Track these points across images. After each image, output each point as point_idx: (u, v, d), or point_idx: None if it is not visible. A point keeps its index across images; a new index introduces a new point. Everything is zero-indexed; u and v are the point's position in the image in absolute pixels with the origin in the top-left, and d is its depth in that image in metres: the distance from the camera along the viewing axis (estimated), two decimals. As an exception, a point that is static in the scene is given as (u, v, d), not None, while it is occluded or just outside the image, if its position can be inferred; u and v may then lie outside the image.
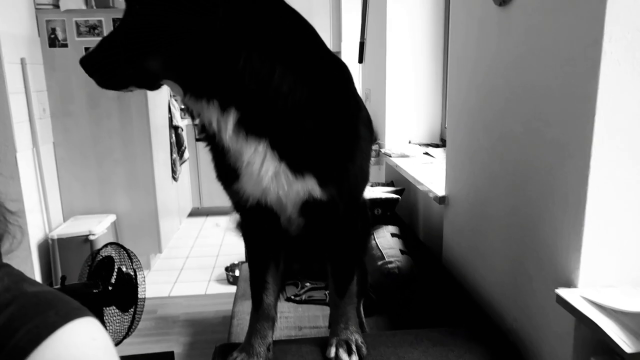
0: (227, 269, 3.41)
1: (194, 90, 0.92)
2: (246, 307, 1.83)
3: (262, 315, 1.20)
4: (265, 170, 0.98)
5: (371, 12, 3.08)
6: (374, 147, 2.76)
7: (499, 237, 1.40)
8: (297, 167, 0.99)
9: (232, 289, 2.86)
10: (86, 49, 3.14)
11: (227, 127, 0.94)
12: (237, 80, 0.90)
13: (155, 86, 0.98)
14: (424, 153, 2.48)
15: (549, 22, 1.10)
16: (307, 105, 0.96)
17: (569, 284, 1.04)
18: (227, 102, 0.92)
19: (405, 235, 2.08)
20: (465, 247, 1.66)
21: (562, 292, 1.01)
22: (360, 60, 3.37)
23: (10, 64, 2.75)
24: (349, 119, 1.05)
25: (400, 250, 1.89)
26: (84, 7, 3.13)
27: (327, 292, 1.95)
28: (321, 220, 1.10)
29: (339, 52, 4.47)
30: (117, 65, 0.92)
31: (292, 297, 2.03)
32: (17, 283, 0.49)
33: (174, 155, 3.93)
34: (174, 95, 4.06)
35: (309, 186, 1.01)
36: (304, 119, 0.97)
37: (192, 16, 0.87)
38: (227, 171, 1.04)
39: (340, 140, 1.03)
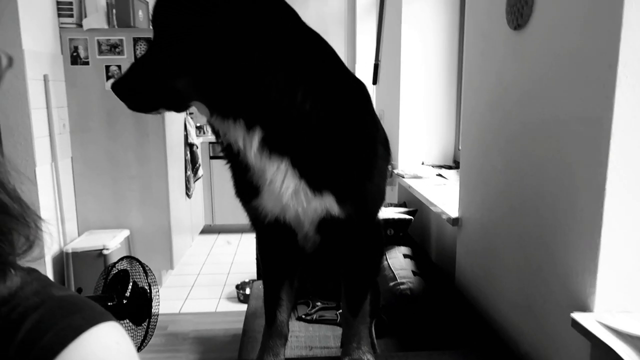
0: (237, 286, 3.41)
1: (221, 110, 0.95)
2: (257, 325, 1.82)
3: (274, 332, 1.20)
4: (286, 188, 1.00)
5: (385, 35, 3.12)
6: (389, 167, 2.77)
7: (512, 259, 1.39)
8: (317, 185, 1.01)
9: (243, 307, 2.86)
10: (107, 67, 3.22)
11: (252, 145, 0.96)
12: (263, 100, 0.93)
13: (183, 107, 1.01)
14: (437, 174, 2.48)
15: (564, 47, 1.11)
16: (327, 124, 0.99)
17: (585, 308, 1.03)
18: (253, 121, 0.95)
19: (418, 256, 2.07)
20: (478, 269, 1.65)
21: (578, 316, 1.00)
22: (375, 82, 3.40)
23: (34, 80, 2.82)
24: (367, 137, 1.07)
25: (413, 271, 1.89)
26: (106, 26, 3.22)
27: (338, 312, 1.95)
28: (337, 238, 1.11)
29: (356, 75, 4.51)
30: (147, 88, 0.96)
31: (303, 316, 2.02)
32: (45, 287, 0.51)
33: (188, 173, 3.97)
34: (190, 113, 4.13)
35: (327, 204, 1.02)
36: (324, 137, 0.99)
37: (221, 40, 0.90)
38: (247, 188, 1.06)
39: (358, 158, 1.05)
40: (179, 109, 1.03)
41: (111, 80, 3.25)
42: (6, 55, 0.42)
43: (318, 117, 0.97)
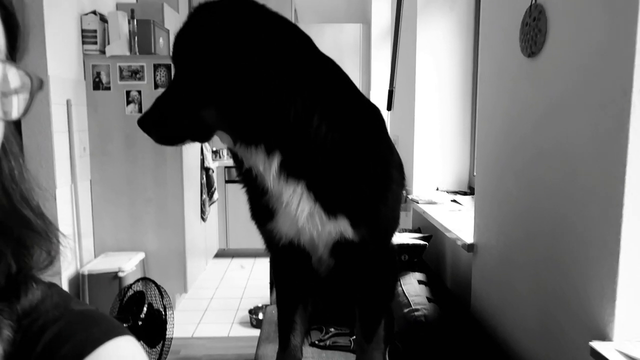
0: (250, 311, 3.40)
1: (244, 137, 0.98)
2: (270, 350, 1.81)
3: (288, 356, 1.20)
4: (301, 211, 1.01)
5: (400, 61, 3.17)
6: (403, 192, 2.77)
7: (529, 286, 1.37)
8: (331, 208, 1.02)
9: (255, 332, 2.84)
10: (127, 92, 3.31)
11: (272, 169, 0.98)
12: (282, 125, 0.95)
13: (208, 137, 1.03)
14: (451, 200, 2.47)
15: (578, 73, 1.12)
16: (342, 148, 1.00)
17: (604, 336, 1.01)
18: (273, 146, 0.97)
19: (433, 282, 2.05)
20: (494, 296, 1.63)
21: (597, 345, 0.98)
22: (389, 108, 3.43)
23: (57, 105, 2.91)
24: (381, 162, 1.08)
25: (428, 298, 1.87)
26: (127, 53, 3.32)
27: (352, 339, 1.92)
28: (351, 262, 1.11)
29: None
30: (174, 120, 0.99)
31: (316, 342, 2.00)
32: (65, 301, 0.53)
33: (204, 196, 4.01)
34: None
35: (341, 227, 1.03)
36: (339, 161, 1.01)
37: (245, 70, 0.93)
38: (263, 211, 1.07)
39: (372, 182, 1.06)
40: (204, 140, 1.05)
41: (132, 105, 3.33)
42: (37, 78, 0.45)
43: (333, 141, 0.99)
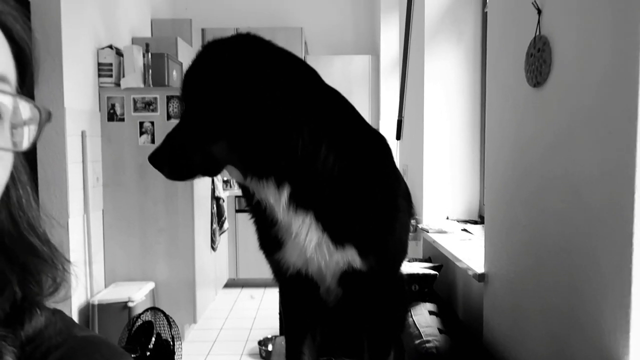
0: (260, 342, 3.36)
1: (254, 171, 0.99)
2: (279, 381, 1.78)
3: (296, 388, 1.18)
4: (309, 241, 1.02)
5: (409, 91, 3.20)
6: (412, 221, 2.76)
7: (541, 317, 1.35)
8: (339, 238, 1.03)
9: (265, 363, 2.80)
10: (141, 123, 3.37)
11: (281, 201, 1.00)
12: (290, 157, 0.97)
13: (218, 172, 1.06)
14: (462, 229, 2.46)
15: (584, 102, 1.13)
16: (348, 178, 1.01)
17: (619, 369, 0.99)
18: (282, 179, 0.99)
19: (444, 313, 2.02)
20: (506, 327, 1.60)
21: (611, 377, 0.96)
22: (398, 137, 3.46)
23: (72, 136, 2.97)
24: (388, 191, 1.09)
25: (439, 329, 1.84)
26: (142, 85, 3.40)
27: (362, 370, 1.89)
28: (359, 291, 1.11)
29: (377, 129, 4.60)
30: (184, 156, 1.01)
31: (326, 373, 1.97)
32: (68, 327, 0.54)
33: (214, 226, 4.03)
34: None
35: (349, 256, 1.04)
36: (346, 191, 1.02)
37: (253, 104, 0.96)
38: (272, 241, 1.08)
39: (379, 211, 1.06)
40: (214, 174, 1.08)
41: (145, 136, 3.39)
42: (45, 110, 0.47)
43: (340, 171, 1.00)
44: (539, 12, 1.33)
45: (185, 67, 1.09)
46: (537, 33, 1.35)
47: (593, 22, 1.10)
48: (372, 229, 1.06)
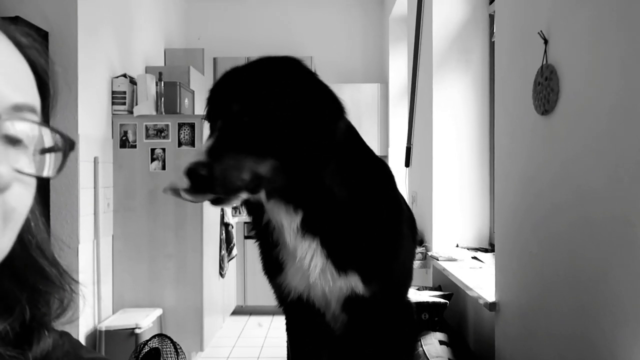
0: (267, 371, 3.30)
1: (283, 194, 1.00)
2: (286, 412, 1.75)
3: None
4: (314, 266, 1.03)
5: (417, 118, 3.23)
6: (421, 249, 2.74)
7: (555, 347, 1.32)
8: (342, 264, 1.03)
9: (272, 393, 2.75)
10: (152, 150, 3.42)
11: (293, 225, 1.01)
12: (316, 184, 1.00)
13: (259, 191, 1.01)
14: (472, 257, 2.43)
15: (593, 129, 1.13)
16: (354, 206, 1.03)
17: (635, 402, 0.96)
18: (300, 204, 1.01)
19: (455, 343, 1.99)
20: (519, 357, 1.57)
21: (628, 411, 0.93)
22: (407, 164, 3.46)
23: (85, 162, 3.01)
24: (391, 218, 1.10)
25: (450, 359, 1.80)
26: (154, 113, 3.46)
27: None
28: (364, 318, 1.10)
29: (386, 156, 4.62)
30: (237, 171, 0.96)
31: (334, 404, 1.93)
32: (75, 349, 0.54)
33: (223, 252, 4.02)
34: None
35: (352, 282, 1.04)
36: (352, 218, 1.03)
37: (314, 133, 0.98)
38: (274, 264, 1.09)
39: (382, 238, 1.07)
40: (255, 192, 1.02)
41: (156, 162, 3.43)
42: (69, 139, 0.48)
43: (348, 199, 1.02)
44: (546, 41, 1.35)
45: (209, 87, 1.10)
46: (544, 62, 1.36)
47: (600, 51, 1.11)
48: (375, 255, 1.07)
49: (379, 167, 1.14)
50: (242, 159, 0.95)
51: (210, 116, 1.06)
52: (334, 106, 1.03)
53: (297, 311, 1.14)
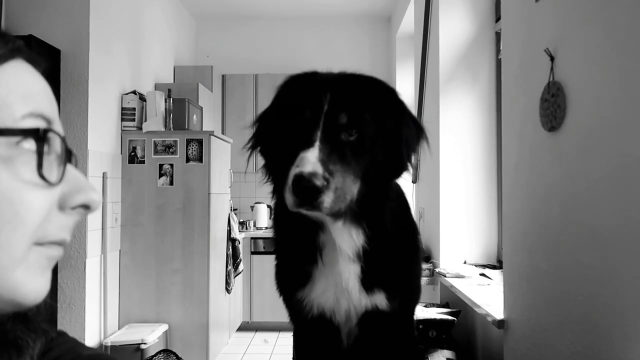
0: (273, 389, 3.27)
1: (356, 215, 1.00)
2: None
3: None
4: (353, 286, 1.04)
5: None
6: (428, 265, 2.73)
7: (565, 366, 1.30)
8: (371, 284, 1.05)
9: (278, 411, 2.72)
10: (160, 165, 3.45)
11: (353, 249, 1.03)
12: (380, 212, 1.03)
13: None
14: (480, 274, 2.41)
15: (602, 146, 1.13)
16: (393, 229, 1.05)
17: (648, 423, 0.94)
18: (366, 230, 1.03)
19: (463, 361, 1.96)
20: (528, 377, 1.54)
21: None
22: (415, 180, 3.46)
23: (93, 177, 3.04)
24: (412, 233, 1.13)
25: (458, 377, 1.78)
26: (163, 129, 3.50)
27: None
28: (379, 331, 1.11)
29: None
30: (345, 199, 0.94)
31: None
32: (74, 347, 0.55)
33: (229, 267, 4.01)
34: (234, 209, 4.26)
35: (377, 300, 1.05)
36: (390, 242, 1.05)
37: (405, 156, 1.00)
38: (297, 281, 1.08)
39: (406, 255, 1.09)
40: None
41: (164, 178, 3.45)
42: (70, 151, 0.50)
43: (392, 224, 1.05)
44: (552, 58, 1.36)
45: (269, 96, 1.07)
46: (551, 79, 1.37)
47: (607, 67, 1.12)
48: (400, 274, 1.08)
49: (398, 189, 1.16)
50: (347, 178, 0.91)
51: (295, 121, 0.96)
52: (419, 136, 1.05)
53: (314, 326, 1.13)
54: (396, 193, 1.12)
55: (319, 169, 0.85)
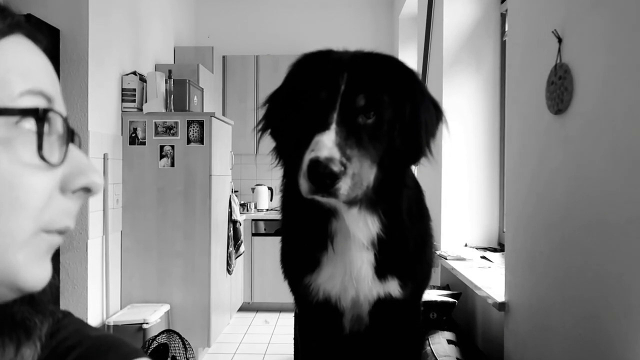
0: (274, 369, 3.31)
1: (368, 206, 0.99)
2: (294, 409, 1.76)
3: (313, 416, 1.16)
4: (365, 275, 1.03)
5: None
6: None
7: (565, 351, 1.31)
8: (384, 272, 1.04)
9: (279, 390, 2.75)
10: (161, 147, 3.43)
11: (367, 237, 1.01)
12: (397, 199, 1.02)
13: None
14: (481, 257, 2.43)
15: (609, 129, 1.13)
16: (409, 216, 1.04)
17: (648, 404, 0.96)
18: (382, 218, 1.01)
19: (463, 342, 1.98)
20: (528, 358, 1.56)
21: (641, 412, 0.93)
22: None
23: (94, 158, 3.03)
24: (427, 222, 1.12)
25: (457, 358, 1.80)
26: (163, 110, 3.48)
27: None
28: (388, 317, 1.11)
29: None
30: (362, 186, 0.91)
31: (342, 402, 1.93)
32: (81, 328, 0.56)
33: (230, 249, 4.03)
34: (235, 191, 4.26)
35: (390, 287, 1.05)
36: (403, 228, 1.04)
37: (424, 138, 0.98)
38: (305, 266, 1.07)
39: (420, 242, 1.09)
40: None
41: (165, 159, 3.44)
42: (71, 130, 0.48)
43: (407, 209, 1.04)
44: (560, 40, 1.35)
45: (287, 68, 1.02)
46: (558, 61, 1.35)
47: (616, 50, 1.10)
48: (414, 260, 1.08)
49: (414, 177, 1.16)
50: (364, 163, 0.87)
51: (310, 102, 0.92)
52: (439, 120, 1.02)
53: (318, 312, 1.13)
54: (411, 179, 1.11)
55: (336, 154, 0.81)
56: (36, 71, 0.46)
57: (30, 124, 0.42)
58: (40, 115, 0.43)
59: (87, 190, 0.47)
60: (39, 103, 0.44)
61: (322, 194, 0.83)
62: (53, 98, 0.46)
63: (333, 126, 0.85)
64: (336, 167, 0.80)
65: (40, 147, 0.42)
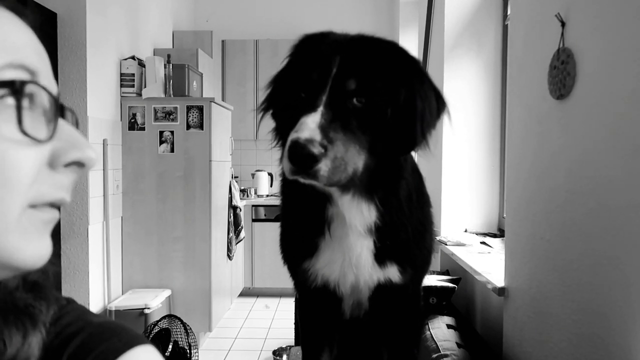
0: (274, 352, 3.34)
1: (363, 192, 0.98)
2: (295, 393, 1.77)
3: (313, 399, 1.17)
4: (365, 261, 1.03)
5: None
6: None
7: (565, 336, 1.32)
8: (384, 258, 1.04)
9: (279, 374, 2.78)
10: (161, 132, 3.42)
11: (364, 224, 1.00)
12: (394, 186, 1.01)
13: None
14: (480, 242, 2.43)
15: (611, 114, 1.12)
16: (408, 202, 1.03)
17: (646, 388, 0.96)
18: (378, 205, 0.99)
19: (462, 327, 2.00)
20: (527, 343, 1.57)
21: (639, 397, 0.93)
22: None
23: (94, 144, 3.02)
24: (427, 209, 1.12)
25: (457, 343, 1.81)
26: (162, 95, 3.45)
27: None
28: (387, 303, 1.11)
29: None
30: (346, 171, 0.89)
31: (342, 386, 1.95)
32: (84, 315, 0.56)
33: (231, 235, 4.04)
34: (235, 177, 4.25)
35: (390, 273, 1.04)
36: (402, 216, 1.03)
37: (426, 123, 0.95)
38: (304, 251, 1.07)
39: (419, 227, 1.08)
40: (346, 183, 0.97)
41: (164, 145, 3.43)
42: (58, 102, 0.47)
43: (405, 195, 1.03)
44: (563, 24, 1.33)
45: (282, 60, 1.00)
46: (561, 45, 1.34)
47: (620, 34, 1.09)
48: (413, 245, 1.07)
49: (411, 158, 1.14)
50: (349, 148, 0.86)
51: (302, 83, 0.91)
52: (440, 110, 0.99)
53: (316, 298, 1.13)
54: (411, 166, 1.10)
55: (317, 136, 0.80)
56: (19, 44, 0.44)
57: (12, 99, 0.41)
58: (17, 88, 0.41)
59: (81, 165, 0.46)
60: (19, 76, 0.42)
61: (302, 175, 0.83)
62: (37, 72, 0.45)
63: (320, 108, 0.84)
64: (315, 149, 0.79)
65: (19, 121, 0.41)
